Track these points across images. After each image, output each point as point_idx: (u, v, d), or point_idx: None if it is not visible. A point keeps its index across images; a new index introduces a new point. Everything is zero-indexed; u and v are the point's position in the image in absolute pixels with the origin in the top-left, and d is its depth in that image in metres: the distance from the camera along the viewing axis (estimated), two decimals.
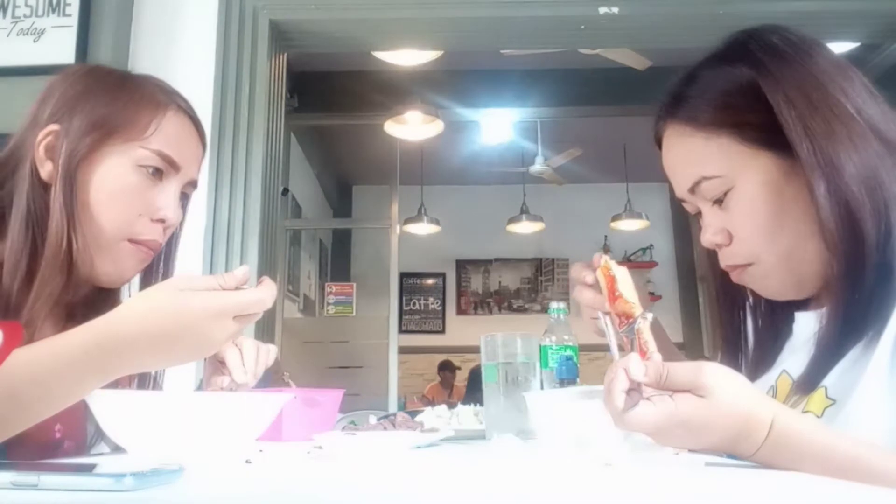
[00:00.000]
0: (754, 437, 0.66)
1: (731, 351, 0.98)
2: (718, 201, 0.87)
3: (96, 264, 0.94)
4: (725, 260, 0.89)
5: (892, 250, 0.77)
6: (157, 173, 0.96)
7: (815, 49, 0.85)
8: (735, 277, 0.90)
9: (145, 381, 1.06)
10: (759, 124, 0.82)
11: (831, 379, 0.79)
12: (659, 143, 0.95)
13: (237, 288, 0.76)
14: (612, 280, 0.85)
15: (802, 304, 0.91)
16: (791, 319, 0.91)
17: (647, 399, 0.66)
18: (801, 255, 0.83)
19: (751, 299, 0.97)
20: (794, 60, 0.84)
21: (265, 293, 0.76)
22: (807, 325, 0.87)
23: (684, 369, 0.67)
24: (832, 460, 0.65)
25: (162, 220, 0.97)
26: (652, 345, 0.76)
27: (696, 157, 0.87)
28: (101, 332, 0.71)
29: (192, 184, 1.04)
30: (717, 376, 0.66)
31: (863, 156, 0.78)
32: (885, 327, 0.77)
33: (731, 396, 0.66)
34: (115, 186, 0.93)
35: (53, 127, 0.92)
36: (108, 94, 0.95)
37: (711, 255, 0.93)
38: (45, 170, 0.92)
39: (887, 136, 0.81)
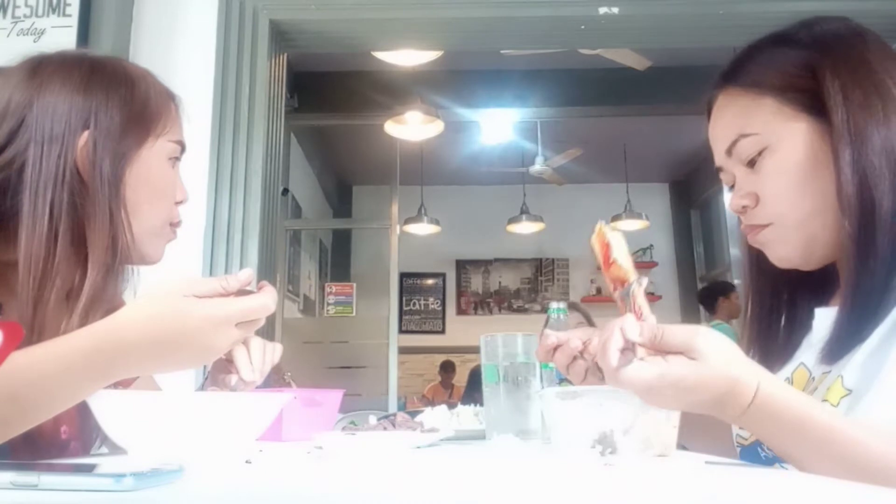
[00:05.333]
0: (740, 401, 0.68)
1: (761, 329, 0.97)
2: (751, 163, 0.89)
3: (148, 251, 0.99)
4: (747, 220, 0.92)
5: None
6: (177, 160, 1.02)
7: (872, 37, 0.90)
8: (751, 238, 0.92)
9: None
10: (803, 89, 0.86)
11: (848, 369, 0.80)
12: (709, 114, 0.97)
13: (240, 290, 0.76)
14: (606, 246, 0.85)
15: (822, 300, 0.92)
16: (811, 315, 0.92)
17: (641, 360, 0.68)
18: (820, 223, 0.86)
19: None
20: (849, 40, 0.88)
21: (268, 298, 0.76)
22: (825, 321, 0.87)
23: (679, 332, 0.69)
24: (812, 430, 0.67)
25: (182, 201, 1.03)
26: (646, 308, 0.77)
27: (738, 116, 0.91)
28: (102, 336, 0.71)
29: None
30: (711, 341, 0.68)
31: (893, 132, 0.82)
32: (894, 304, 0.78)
33: (722, 361, 0.68)
34: (159, 183, 0.98)
35: (85, 134, 0.91)
36: (128, 91, 0.96)
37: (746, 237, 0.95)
38: (87, 173, 0.90)
39: None
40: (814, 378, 0.87)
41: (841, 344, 0.82)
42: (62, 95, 0.92)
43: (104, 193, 0.90)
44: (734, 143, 0.90)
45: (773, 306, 0.97)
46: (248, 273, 0.78)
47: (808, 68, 0.86)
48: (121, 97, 0.95)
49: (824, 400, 0.80)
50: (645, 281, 0.81)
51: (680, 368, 0.67)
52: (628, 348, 0.69)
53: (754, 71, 0.90)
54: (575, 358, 0.99)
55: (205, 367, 1.17)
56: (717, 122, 0.94)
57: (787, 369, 0.92)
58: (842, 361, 0.81)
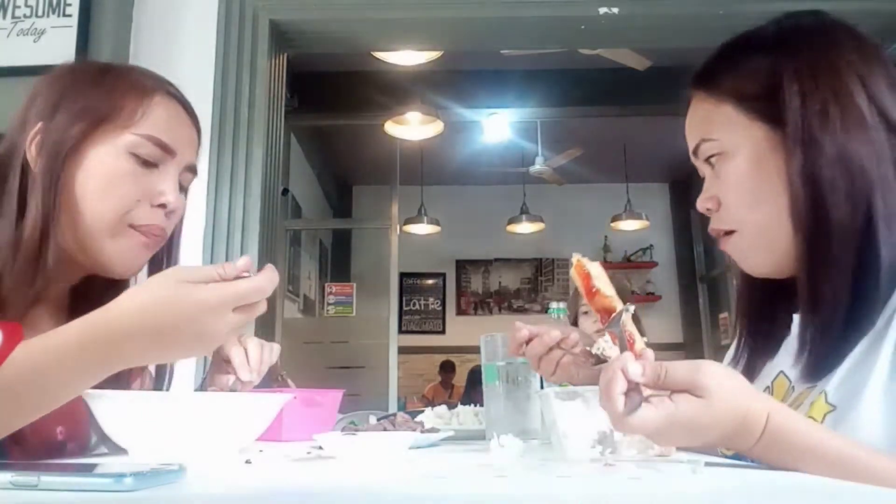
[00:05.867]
0: (751, 433, 0.67)
1: (749, 326, 0.97)
2: (713, 166, 0.90)
3: (102, 256, 0.92)
4: (712, 224, 0.92)
5: (872, 237, 0.77)
6: (152, 159, 0.94)
7: (845, 35, 0.87)
8: (721, 245, 0.92)
9: (162, 375, 1.05)
10: (762, 96, 0.85)
11: (831, 384, 0.78)
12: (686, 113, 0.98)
13: (238, 278, 0.73)
14: (587, 277, 0.85)
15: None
16: (789, 320, 0.91)
17: (647, 400, 0.67)
18: (778, 232, 0.85)
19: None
20: (817, 42, 0.86)
21: (264, 280, 0.73)
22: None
23: (682, 369, 0.67)
24: (824, 457, 0.66)
25: (163, 206, 0.94)
26: (638, 336, 0.76)
27: (702, 120, 0.91)
28: (97, 326, 0.70)
29: (191, 169, 1.01)
30: (716, 376, 0.67)
31: (852, 141, 0.80)
32: (877, 316, 0.77)
33: (729, 395, 0.66)
34: (107, 175, 0.91)
35: (40, 124, 0.92)
36: (91, 85, 0.95)
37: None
38: (38, 167, 0.91)
39: None
40: (793, 388, 0.86)
41: (818, 361, 0.80)
42: (42, 91, 0.95)
43: (41, 184, 0.89)
44: (697, 146, 0.91)
45: (759, 307, 0.97)
46: (246, 260, 0.75)
47: (769, 74, 0.85)
48: (84, 88, 0.94)
49: (808, 416, 0.79)
50: (632, 308, 0.81)
51: (688, 409, 0.65)
52: (632, 389, 0.67)
53: (717, 76, 0.90)
54: (550, 349, 0.99)
55: (204, 367, 1.17)
56: (687, 124, 0.95)
57: (768, 377, 0.92)
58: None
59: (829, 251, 0.79)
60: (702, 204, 0.93)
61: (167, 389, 1.05)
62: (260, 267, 0.75)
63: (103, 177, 0.91)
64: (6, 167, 0.93)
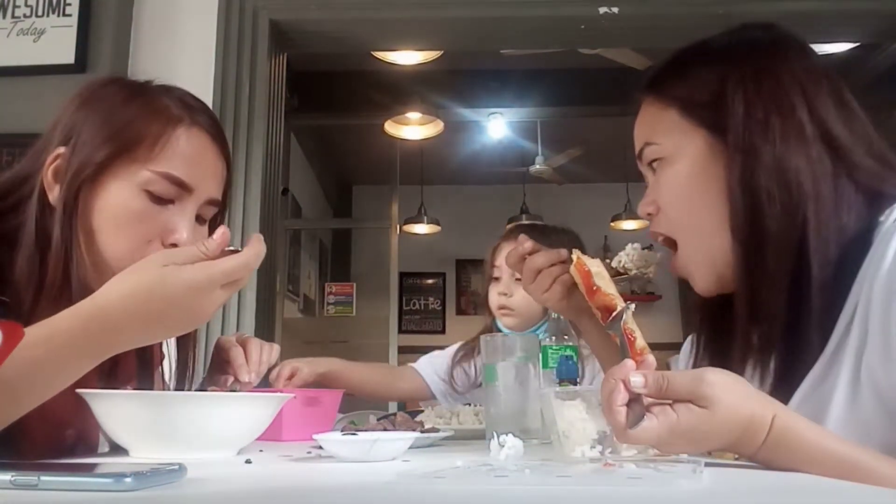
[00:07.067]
0: (756, 438, 0.67)
1: (709, 343, 0.97)
2: (654, 171, 0.90)
3: None
4: (651, 227, 0.93)
5: (805, 252, 0.77)
6: (167, 196, 0.91)
7: (794, 49, 0.87)
8: (672, 271, 0.92)
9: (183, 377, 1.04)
10: (707, 104, 0.85)
11: (791, 407, 0.77)
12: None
13: (222, 252, 0.74)
14: (587, 275, 0.85)
15: None
16: None
17: (649, 409, 0.67)
18: (716, 241, 0.84)
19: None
20: (766, 53, 0.86)
21: (250, 255, 0.74)
22: None
23: (684, 379, 0.67)
24: (828, 459, 0.66)
25: (175, 245, 0.91)
26: (639, 334, 0.76)
27: (648, 124, 0.92)
28: (87, 318, 0.70)
29: (212, 203, 0.96)
30: (718, 386, 0.66)
31: (791, 153, 0.79)
32: (819, 336, 0.76)
33: (732, 404, 0.66)
34: (119, 213, 0.88)
35: (61, 150, 0.89)
36: (114, 111, 0.91)
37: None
38: (54, 194, 0.89)
39: (839, 143, 0.81)
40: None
41: (778, 383, 0.79)
42: (66, 114, 0.92)
43: (59, 214, 0.86)
44: (641, 150, 0.91)
45: (713, 324, 0.97)
46: (223, 231, 0.75)
47: (716, 82, 0.85)
48: (109, 113, 0.91)
49: None
50: (633, 306, 0.80)
51: (691, 419, 0.65)
52: (633, 399, 0.67)
53: (666, 82, 0.91)
54: (553, 265, 1.00)
55: (203, 367, 1.17)
56: (635, 128, 0.95)
57: None
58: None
59: (765, 263, 0.78)
60: (643, 208, 0.93)
61: (189, 388, 1.04)
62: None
63: (115, 216, 0.88)
64: (20, 194, 0.90)
